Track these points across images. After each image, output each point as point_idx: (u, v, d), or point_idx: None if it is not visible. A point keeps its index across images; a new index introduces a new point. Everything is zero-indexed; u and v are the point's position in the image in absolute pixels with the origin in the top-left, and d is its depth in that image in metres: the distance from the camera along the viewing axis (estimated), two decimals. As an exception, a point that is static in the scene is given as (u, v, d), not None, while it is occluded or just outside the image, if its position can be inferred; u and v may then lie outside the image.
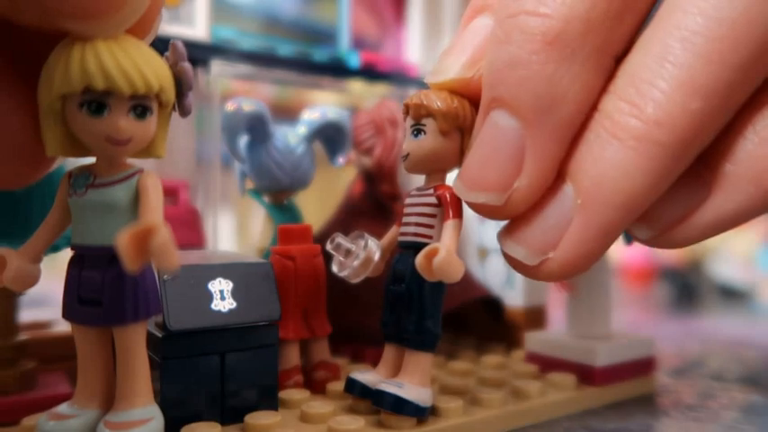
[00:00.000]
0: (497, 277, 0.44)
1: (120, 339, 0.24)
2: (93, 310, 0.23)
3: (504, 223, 0.25)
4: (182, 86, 0.24)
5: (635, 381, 0.36)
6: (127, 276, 0.23)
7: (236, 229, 0.48)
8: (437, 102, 0.26)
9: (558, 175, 0.23)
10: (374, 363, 0.35)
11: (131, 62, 0.22)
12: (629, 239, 0.36)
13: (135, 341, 0.24)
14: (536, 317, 0.43)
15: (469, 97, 0.27)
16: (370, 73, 0.48)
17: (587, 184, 0.22)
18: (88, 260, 0.24)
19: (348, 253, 0.29)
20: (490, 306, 0.43)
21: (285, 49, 0.44)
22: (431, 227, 0.27)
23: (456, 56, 0.26)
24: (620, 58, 0.23)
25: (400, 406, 0.26)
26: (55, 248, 0.28)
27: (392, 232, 0.30)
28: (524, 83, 0.22)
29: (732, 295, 0.89)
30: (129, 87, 0.22)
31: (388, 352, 0.29)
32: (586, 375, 0.34)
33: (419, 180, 0.50)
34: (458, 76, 0.26)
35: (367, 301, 0.38)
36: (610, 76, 0.23)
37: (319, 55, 0.46)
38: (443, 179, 0.28)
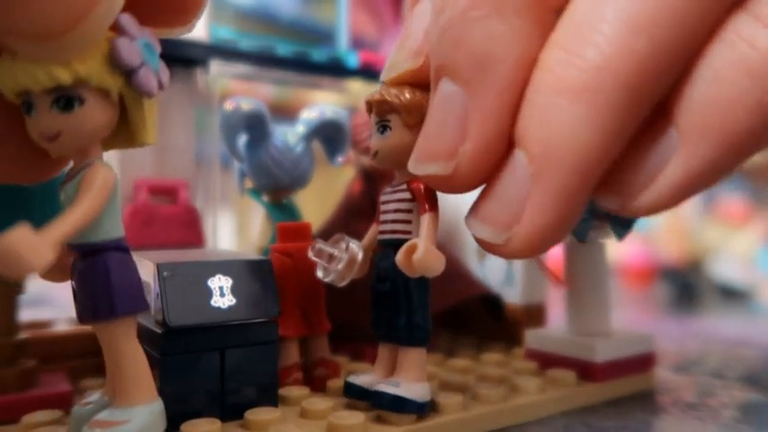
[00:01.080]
0: (497, 275, 0.44)
1: (100, 337, 0.23)
2: (77, 306, 0.23)
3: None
4: (118, 65, 0.22)
5: (635, 377, 0.36)
6: (97, 272, 0.23)
7: (235, 229, 0.48)
8: (399, 96, 0.26)
9: (510, 142, 0.21)
10: (374, 361, 0.35)
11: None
12: (621, 235, 0.36)
13: (115, 339, 0.23)
14: (535, 314, 0.43)
15: (426, 85, 0.25)
16: (369, 73, 0.48)
17: (536, 148, 0.20)
18: (76, 256, 0.23)
19: (331, 257, 0.29)
20: (490, 304, 0.43)
21: (284, 48, 0.44)
22: (408, 222, 0.27)
23: (405, 47, 0.26)
24: (561, 11, 0.21)
25: (399, 404, 0.26)
26: None
27: (372, 231, 0.30)
28: (460, 44, 0.21)
29: (732, 295, 0.89)
30: (35, 84, 0.21)
31: (382, 351, 0.29)
32: (586, 371, 0.34)
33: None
34: (410, 68, 0.26)
35: (365, 300, 0.38)
36: (548, 29, 0.21)
37: (318, 55, 0.46)
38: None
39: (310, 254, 0.29)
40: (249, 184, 0.39)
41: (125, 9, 0.21)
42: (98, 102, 0.22)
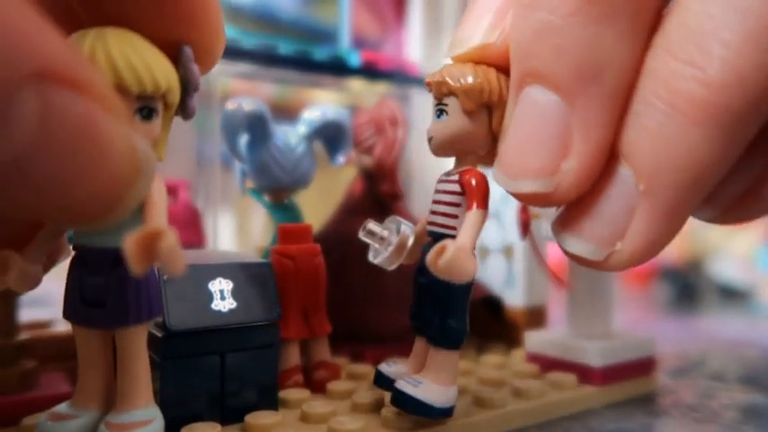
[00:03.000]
0: (497, 277, 0.44)
1: (123, 341, 0.23)
2: (96, 311, 0.23)
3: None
4: (188, 87, 0.24)
5: (635, 381, 0.36)
6: (130, 279, 0.23)
7: (236, 229, 0.48)
8: (459, 78, 0.24)
9: (612, 155, 0.20)
10: (374, 363, 0.35)
11: (141, 59, 0.21)
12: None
13: (137, 343, 0.24)
14: (536, 316, 0.43)
15: (498, 65, 0.24)
16: (371, 72, 0.48)
17: (647, 166, 0.19)
18: (91, 261, 0.23)
19: (382, 239, 0.27)
20: (490, 305, 0.43)
21: (285, 47, 0.44)
22: (455, 216, 0.25)
23: (475, 21, 0.24)
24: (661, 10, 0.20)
25: (416, 407, 0.25)
26: None
27: (425, 218, 0.28)
28: (561, 52, 0.19)
29: (732, 295, 0.88)
30: (138, 86, 0.21)
31: (417, 345, 0.28)
32: (586, 375, 0.34)
33: (418, 181, 0.50)
34: (481, 43, 0.23)
35: (366, 300, 0.38)
36: (652, 31, 0.20)
37: (320, 54, 0.46)
38: (474, 162, 0.26)
39: (361, 234, 0.27)
40: (250, 184, 0.39)
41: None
42: (160, 116, 0.23)
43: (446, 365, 0.26)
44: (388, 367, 0.28)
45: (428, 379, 0.26)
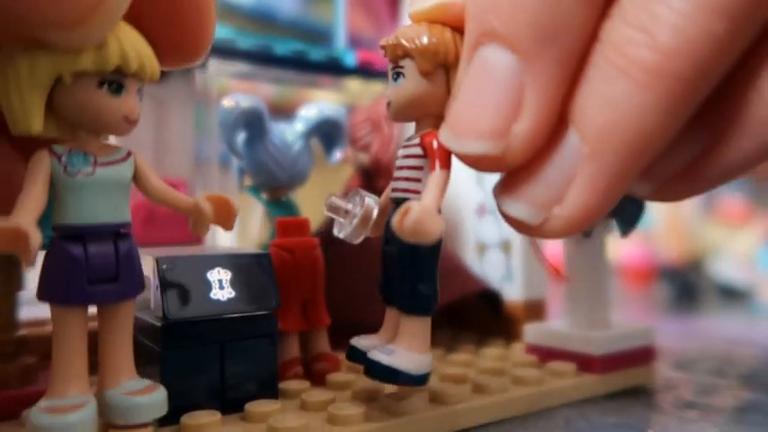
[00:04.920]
0: (496, 271, 0.44)
1: (122, 314, 0.24)
2: (105, 287, 0.23)
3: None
4: None
5: (635, 370, 0.36)
6: (134, 250, 0.24)
7: (234, 227, 0.48)
8: (414, 39, 0.24)
9: (560, 120, 0.20)
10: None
11: (148, 50, 0.23)
12: (626, 231, 0.36)
13: (131, 315, 0.24)
14: (535, 310, 0.43)
15: (456, 25, 0.24)
16: (367, 71, 0.48)
17: (594, 129, 0.19)
18: (93, 239, 0.23)
19: (346, 213, 0.27)
20: (489, 300, 0.43)
21: (282, 48, 0.45)
22: (417, 180, 0.25)
23: None
24: None
25: (390, 375, 0.25)
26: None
27: (389, 187, 0.28)
28: (520, 11, 0.19)
29: (732, 295, 0.88)
30: (151, 73, 0.23)
31: (389, 315, 0.28)
32: (586, 364, 0.34)
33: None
34: (441, 2, 0.23)
35: (365, 295, 0.38)
36: (609, 1, 0.20)
37: (316, 54, 0.46)
38: (435, 125, 0.25)
39: (325, 209, 0.27)
40: (248, 181, 0.39)
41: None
42: None
43: (418, 332, 0.26)
44: (360, 340, 0.28)
45: (401, 347, 0.26)
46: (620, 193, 0.20)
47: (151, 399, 0.24)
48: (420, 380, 0.25)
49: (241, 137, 0.37)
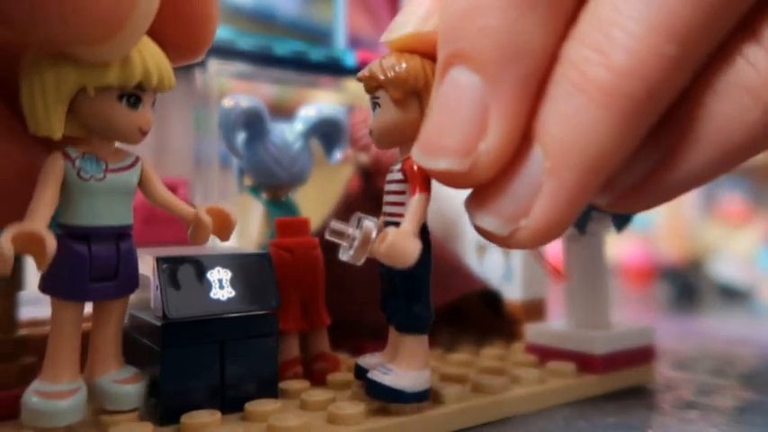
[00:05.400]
0: (496, 271, 0.44)
1: (117, 309, 0.26)
2: (105, 285, 0.25)
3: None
4: None
5: (635, 369, 0.36)
6: (133, 251, 0.26)
7: (236, 223, 0.48)
8: (385, 71, 0.25)
9: (525, 137, 0.21)
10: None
11: (166, 61, 0.24)
12: (621, 227, 0.36)
13: (125, 309, 0.26)
14: (535, 310, 0.43)
15: (429, 54, 0.24)
16: (367, 72, 0.48)
17: (555, 145, 0.20)
18: (97, 239, 0.24)
19: (347, 237, 0.27)
20: (489, 300, 0.43)
21: (282, 48, 0.45)
22: (401, 204, 0.26)
23: (412, 9, 0.25)
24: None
25: (390, 395, 0.26)
26: None
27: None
28: (485, 33, 0.20)
29: (732, 295, 0.89)
30: (168, 85, 0.24)
31: (391, 334, 0.29)
32: (586, 364, 0.34)
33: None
34: (414, 30, 0.24)
35: (365, 295, 0.38)
36: (571, 18, 0.21)
37: (316, 54, 0.46)
38: None
39: (327, 234, 0.28)
40: (248, 181, 0.39)
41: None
42: None
43: (414, 351, 0.27)
44: (365, 359, 0.29)
45: (398, 366, 0.26)
46: (581, 205, 0.21)
47: (138, 388, 0.26)
48: (419, 397, 0.26)
49: (241, 137, 0.37)
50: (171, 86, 0.25)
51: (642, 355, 0.36)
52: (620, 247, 0.94)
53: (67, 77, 0.22)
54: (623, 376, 0.35)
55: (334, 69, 0.47)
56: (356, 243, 0.27)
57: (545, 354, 0.36)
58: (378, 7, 0.53)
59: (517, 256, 0.43)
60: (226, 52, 0.42)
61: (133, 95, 0.24)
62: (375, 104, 0.26)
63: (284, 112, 0.45)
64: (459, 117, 0.21)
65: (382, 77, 0.25)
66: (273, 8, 0.94)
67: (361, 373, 0.28)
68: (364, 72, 0.26)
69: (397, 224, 0.25)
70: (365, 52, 0.48)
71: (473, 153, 0.20)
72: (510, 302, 0.43)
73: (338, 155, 0.40)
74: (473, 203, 0.22)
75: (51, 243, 0.22)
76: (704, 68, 0.20)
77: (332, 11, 0.51)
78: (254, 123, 0.37)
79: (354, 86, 0.49)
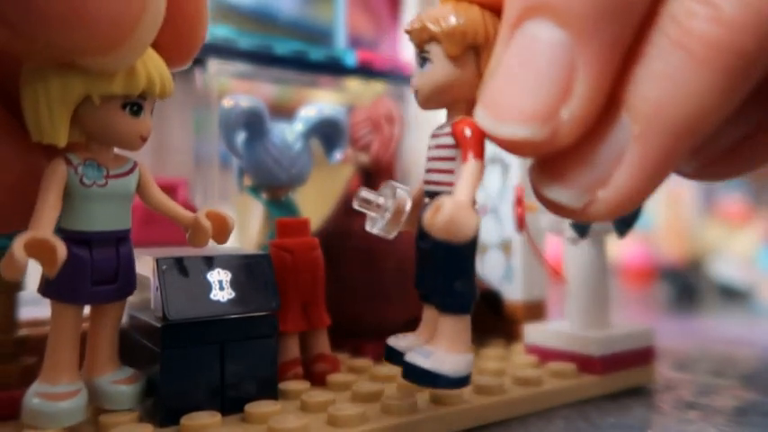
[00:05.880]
0: (496, 271, 0.44)
1: (115, 311, 0.26)
2: (106, 288, 0.25)
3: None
4: None
5: (635, 370, 0.36)
6: (132, 254, 0.26)
7: (234, 227, 0.48)
8: (439, 21, 0.23)
9: (610, 100, 0.19)
10: (374, 358, 0.35)
11: (167, 70, 0.25)
12: (623, 232, 0.36)
13: (122, 312, 0.26)
14: (535, 310, 0.43)
15: (489, 4, 0.23)
16: (367, 71, 0.48)
17: (647, 108, 0.18)
18: (98, 244, 0.25)
19: (378, 207, 0.25)
20: (489, 300, 0.43)
21: (282, 47, 0.45)
22: (450, 172, 0.24)
23: None
24: None
25: (428, 379, 0.24)
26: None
27: (421, 179, 0.26)
28: None
29: (732, 295, 0.88)
30: (169, 93, 0.25)
31: (426, 313, 0.27)
32: (586, 365, 0.34)
33: (415, 178, 0.50)
34: None
35: (366, 295, 0.38)
36: None
37: (316, 54, 0.46)
38: (467, 111, 0.24)
39: (355, 203, 0.26)
40: (248, 181, 0.39)
41: None
42: None
43: (457, 332, 0.25)
44: (398, 341, 0.27)
45: (439, 348, 0.24)
46: (667, 175, 0.19)
47: (135, 388, 0.26)
48: (461, 382, 0.25)
49: (241, 137, 0.37)
50: (171, 94, 0.25)
51: (642, 357, 0.36)
52: (620, 247, 0.94)
53: (73, 86, 0.22)
54: (623, 377, 0.35)
55: (334, 69, 0.47)
56: (388, 214, 0.25)
57: (545, 354, 0.36)
58: (378, 7, 0.53)
59: (517, 256, 0.43)
60: (226, 52, 0.42)
61: (136, 104, 0.24)
62: (424, 59, 0.24)
63: (284, 112, 0.45)
64: (539, 77, 0.18)
65: (436, 29, 0.23)
66: (273, 8, 0.94)
67: (393, 355, 0.26)
68: (413, 23, 0.24)
69: (443, 193, 0.23)
70: (365, 52, 0.48)
71: (554, 119, 0.18)
72: (510, 303, 0.43)
73: (338, 155, 0.40)
74: (542, 173, 0.20)
75: (62, 250, 0.22)
76: None
77: (332, 11, 0.51)
78: (254, 123, 0.37)
79: (354, 86, 0.49)
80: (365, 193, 0.25)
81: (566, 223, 0.36)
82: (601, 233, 0.36)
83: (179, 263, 0.27)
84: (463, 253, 0.24)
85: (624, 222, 0.36)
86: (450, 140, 0.24)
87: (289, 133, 0.38)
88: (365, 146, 0.41)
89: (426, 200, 0.25)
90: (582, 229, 0.36)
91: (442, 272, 0.25)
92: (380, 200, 0.25)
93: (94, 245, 0.25)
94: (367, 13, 0.56)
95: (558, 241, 0.38)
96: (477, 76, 0.23)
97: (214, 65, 0.42)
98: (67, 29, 0.20)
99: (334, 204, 0.43)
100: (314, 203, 0.43)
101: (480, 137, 0.23)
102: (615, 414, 0.31)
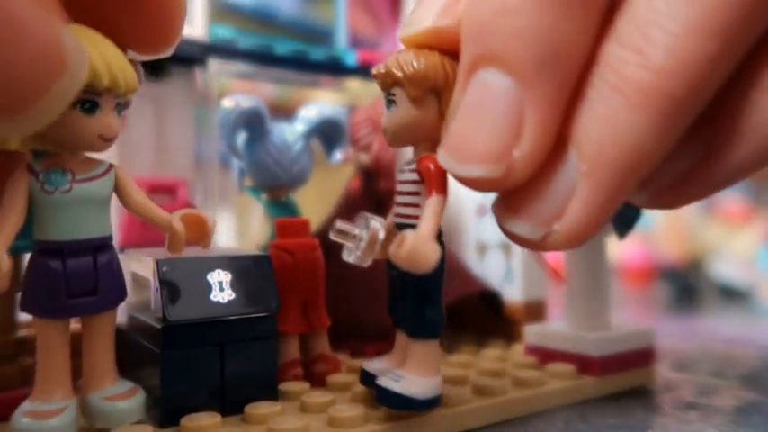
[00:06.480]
0: (496, 272, 0.44)
1: (103, 323, 0.25)
2: (85, 300, 0.24)
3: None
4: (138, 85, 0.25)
5: (635, 371, 0.36)
6: (114, 263, 0.25)
7: (234, 228, 0.48)
8: (402, 67, 0.24)
9: (558, 139, 0.20)
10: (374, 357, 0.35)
11: (122, 62, 0.23)
12: (623, 233, 0.36)
13: (113, 323, 0.25)
14: (535, 311, 0.43)
15: (448, 50, 0.24)
16: (367, 71, 0.48)
17: (591, 147, 0.19)
18: (71, 254, 0.24)
19: (353, 237, 0.26)
20: (489, 301, 0.43)
21: (283, 47, 0.45)
22: (416, 206, 0.25)
23: (428, 4, 0.24)
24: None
25: (398, 402, 0.25)
26: (17, 250, 0.28)
27: (392, 212, 0.28)
28: (520, 34, 0.19)
29: (732, 295, 0.89)
30: (126, 87, 0.23)
31: (399, 338, 0.28)
32: (586, 365, 0.34)
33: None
34: (432, 26, 0.23)
35: (365, 296, 0.38)
36: (606, 19, 0.20)
37: (317, 54, 0.46)
38: (431, 149, 0.25)
39: (331, 234, 0.27)
40: (248, 181, 0.39)
41: (111, 36, 0.23)
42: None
43: (426, 356, 0.26)
44: (372, 364, 0.28)
45: (409, 372, 0.26)
46: (616, 207, 0.20)
47: (128, 403, 0.25)
48: (431, 404, 0.26)
49: (241, 137, 0.37)
50: (130, 88, 0.23)
51: (642, 357, 0.36)
52: (620, 247, 0.94)
53: None
54: (623, 378, 0.35)
55: (334, 69, 0.47)
56: (363, 244, 0.26)
57: (545, 355, 0.36)
58: (378, 7, 0.53)
59: (517, 257, 0.43)
60: (226, 52, 0.42)
61: (88, 101, 0.22)
62: (390, 102, 0.25)
63: (284, 112, 0.45)
64: (492, 122, 0.20)
65: (399, 74, 0.24)
66: (274, 8, 0.94)
67: (367, 378, 0.28)
68: (379, 68, 0.25)
69: (410, 226, 0.24)
70: (366, 52, 0.48)
71: (507, 159, 0.20)
72: (510, 303, 0.43)
73: (338, 155, 0.40)
74: (503, 208, 0.22)
75: (4, 265, 0.21)
76: (748, 61, 0.20)
77: (332, 11, 0.51)
78: (254, 123, 0.37)
79: (355, 86, 0.49)
80: (340, 224, 0.26)
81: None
82: (601, 234, 0.36)
83: (179, 264, 0.27)
84: (432, 281, 0.26)
85: (624, 223, 0.36)
86: (415, 176, 0.25)
87: (289, 133, 0.38)
88: (365, 146, 0.41)
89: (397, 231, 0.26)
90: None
91: (412, 299, 0.26)
92: (355, 230, 0.26)
93: (68, 255, 0.23)
94: (367, 13, 0.55)
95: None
96: (439, 117, 0.25)
97: (214, 65, 0.42)
98: None
99: (335, 205, 0.43)
100: (314, 203, 0.43)
101: (443, 173, 0.24)
102: (615, 415, 0.31)
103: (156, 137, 0.41)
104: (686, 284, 0.87)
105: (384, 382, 0.26)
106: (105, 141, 0.23)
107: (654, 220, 1.02)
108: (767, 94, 0.20)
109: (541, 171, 0.21)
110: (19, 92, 0.18)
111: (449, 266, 0.42)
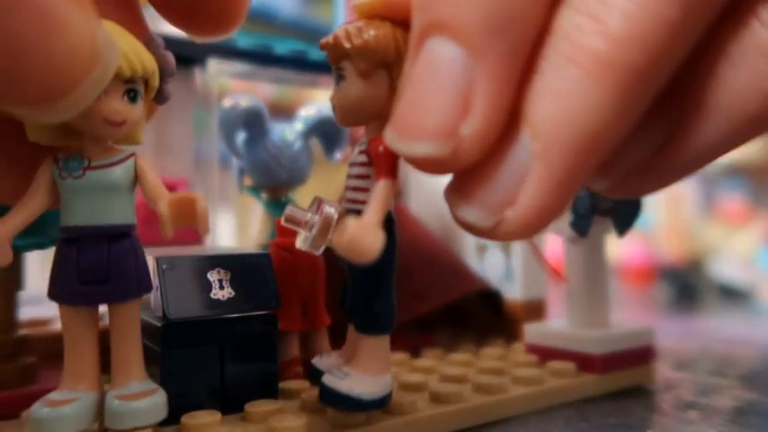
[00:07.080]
0: (496, 271, 0.44)
1: (122, 315, 0.24)
2: (96, 288, 0.23)
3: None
4: (164, 73, 0.25)
5: (635, 370, 0.36)
6: (130, 253, 0.24)
7: (234, 227, 0.48)
8: (351, 38, 0.22)
9: (512, 117, 0.18)
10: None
11: (130, 46, 0.23)
12: (622, 231, 0.36)
13: (134, 317, 0.24)
14: (535, 310, 0.43)
15: (402, 21, 0.22)
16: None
17: (544, 125, 0.18)
18: (86, 241, 0.23)
19: (306, 223, 0.24)
20: (489, 299, 0.43)
21: (282, 47, 0.45)
22: (365, 190, 0.23)
23: None
24: None
25: (341, 402, 0.23)
26: (40, 246, 0.29)
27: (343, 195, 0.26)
28: (470, 1, 0.17)
29: (732, 295, 0.89)
30: (129, 70, 0.22)
31: (350, 332, 0.26)
32: (586, 363, 0.34)
33: (415, 177, 0.50)
34: None
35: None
36: None
37: (316, 53, 0.46)
38: (383, 128, 0.22)
39: (283, 221, 0.25)
40: (248, 181, 0.39)
41: (172, 17, 0.24)
42: (143, 100, 0.24)
43: (375, 352, 0.24)
44: (321, 360, 0.27)
45: (355, 370, 0.24)
46: (573, 191, 0.19)
47: (144, 404, 0.23)
48: (374, 405, 0.24)
49: (241, 137, 0.37)
50: (137, 72, 0.23)
51: (642, 356, 0.36)
52: (620, 247, 0.94)
53: None
54: (623, 376, 0.35)
55: (334, 69, 0.47)
56: (314, 230, 0.23)
57: (545, 354, 0.36)
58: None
59: (517, 255, 0.43)
60: (226, 52, 0.42)
61: None
62: (339, 77, 0.23)
63: (284, 111, 0.45)
64: (439, 95, 0.18)
65: (347, 45, 0.22)
66: (273, 8, 0.94)
67: (315, 375, 0.26)
68: (328, 39, 0.23)
69: (359, 212, 0.22)
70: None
71: (455, 136, 0.18)
72: (510, 302, 0.43)
73: (338, 154, 0.40)
74: (453, 193, 0.20)
75: (4, 249, 0.21)
76: (714, 33, 0.18)
77: (332, 10, 0.51)
78: (253, 123, 0.37)
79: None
80: (291, 209, 0.25)
81: (566, 223, 0.36)
82: (601, 233, 0.36)
83: (179, 262, 0.27)
84: (380, 272, 0.24)
85: (624, 221, 0.36)
86: (364, 158, 0.24)
87: (289, 133, 0.38)
88: (365, 145, 0.41)
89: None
90: (582, 229, 0.35)
91: (362, 291, 0.24)
92: (307, 216, 0.24)
93: (82, 242, 0.23)
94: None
95: (557, 241, 0.38)
96: (390, 93, 0.23)
97: (214, 65, 0.42)
98: (7, 78, 0.18)
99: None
100: (314, 203, 0.43)
101: (393, 156, 0.22)
102: (615, 414, 0.31)
103: (155, 137, 0.41)
104: (686, 284, 0.87)
105: (328, 380, 0.24)
106: (112, 126, 0.23)
107: (654, 219, 1.02)
108: (735, 67, 0.19)
109: (493, 152, 0.19)
110: (57, 82, 0.19)
111: (449, 265, 0.42)
